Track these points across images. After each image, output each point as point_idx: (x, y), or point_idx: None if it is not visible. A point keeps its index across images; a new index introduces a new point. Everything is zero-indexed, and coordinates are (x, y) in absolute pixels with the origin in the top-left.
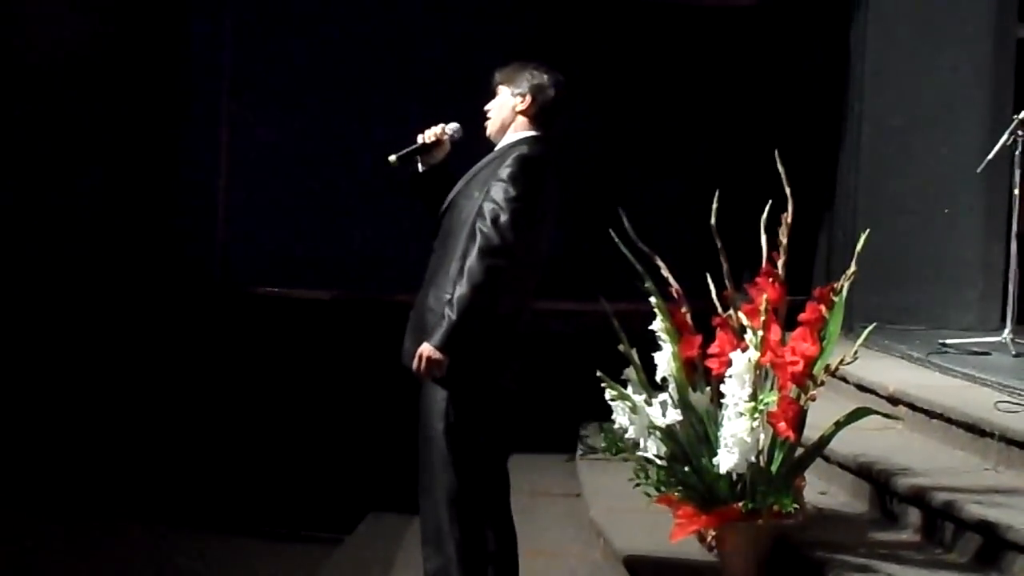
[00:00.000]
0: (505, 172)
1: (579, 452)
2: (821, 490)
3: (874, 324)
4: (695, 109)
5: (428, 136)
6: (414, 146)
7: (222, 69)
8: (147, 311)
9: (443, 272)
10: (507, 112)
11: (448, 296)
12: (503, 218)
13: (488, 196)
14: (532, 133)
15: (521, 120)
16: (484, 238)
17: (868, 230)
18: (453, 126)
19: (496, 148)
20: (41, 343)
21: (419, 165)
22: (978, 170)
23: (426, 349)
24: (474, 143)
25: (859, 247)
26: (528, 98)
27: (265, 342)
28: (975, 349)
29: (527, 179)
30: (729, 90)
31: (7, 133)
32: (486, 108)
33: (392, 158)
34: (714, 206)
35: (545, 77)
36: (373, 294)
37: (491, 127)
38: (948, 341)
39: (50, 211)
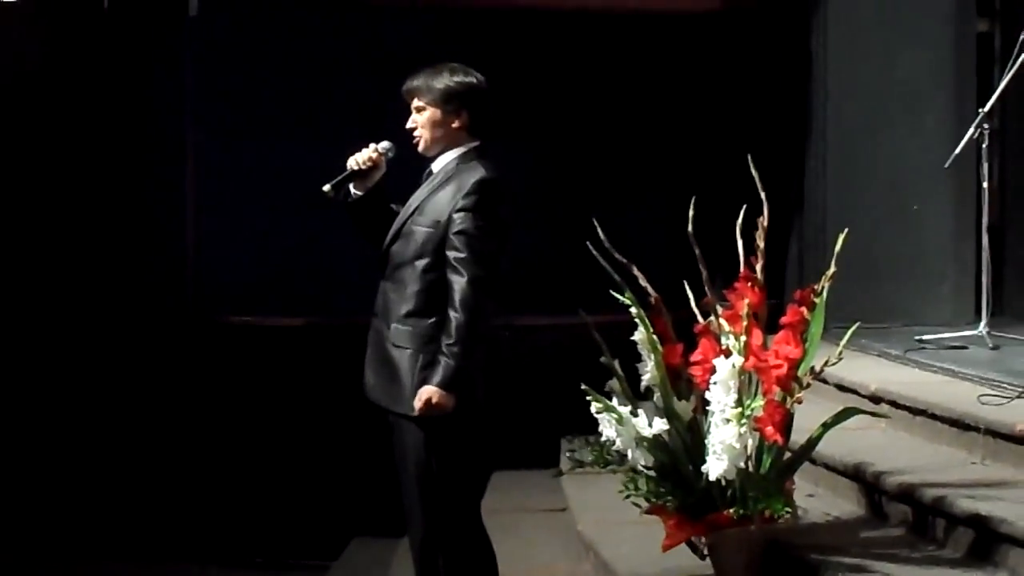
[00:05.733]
0: (470, 200)
1: (563, 466)
2: (809, 492)
3: (857, 323)
4: (663, 117)
5: (362, 160)
6: (347, 172)
7: (185, 97)
8: (120, 344)
9: (400, 303)
10: (442, 129)
11: (411, 330)
12: (483, 249)
13: (457, 226)
14: (474, 144)
15: (458, 133)
16: (472, 273)
17: (846, 230)
18: (385, 145)
19: (438, 165)
20: (11, 380)
21: (352, 191)
22: (945, 165)
23: (431, 392)
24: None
25: (837, 247)
26: (463, 112)
27: (240, 371)
28: (952, 344)
29: (493, 204)
30: (695, 96)
31: None
32: (410, 126)
33: (326, 188)
34: (690, 213)
35: (471, 81)
36: (346, 319)
37: (424, 145)
38: (925, 337)
39: (15, 247)
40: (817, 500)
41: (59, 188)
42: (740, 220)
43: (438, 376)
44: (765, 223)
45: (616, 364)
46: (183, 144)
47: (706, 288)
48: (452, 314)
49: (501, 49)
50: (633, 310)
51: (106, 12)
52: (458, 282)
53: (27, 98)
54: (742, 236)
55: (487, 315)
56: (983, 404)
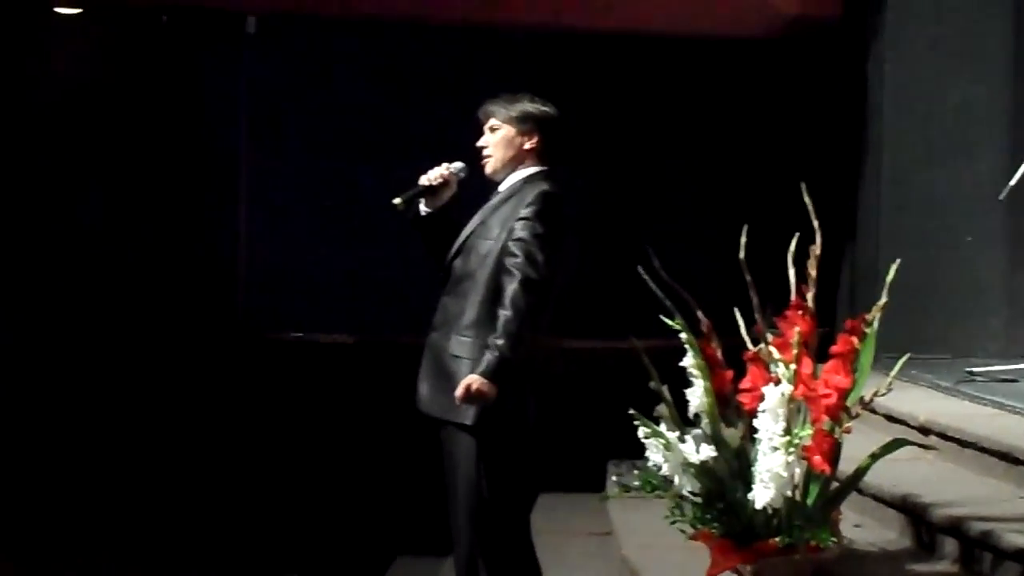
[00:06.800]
0: (530, 210)
1: (610, 490)
2: (855, 523)
3: (908, 355)
4: (717, 142)
5: (433, 178)
6: (418, 188)
7: (240, 114)
8: (171, 359)
9: (462, 316)
10: (512, 150)
11: (471, 340)
12: (537, 255)
13: (515, 234)
14: (541, 168)
15: (527, 156)
16: (523, 274)
17: (898, 260)
18: (457, 165)
19: (504, 185)
20: (61, 389)
21: (422, 207)
22: (1000, 197)
23: (473, 379)
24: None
25: (889, 277)
26: (536, 135)
27: (288, 387)
28: (1003, 376)
29: (552, 215)
30: (750, 122)
31: (33, 180)
32: (481, 144)
33: (397, 201)
34: (743, 240)
35: (547, 110)
36: (395, 337)
37: (492, 165)
38: (975, 369)
39: (69, 259)
40: (864, 531)
41: (113, 201)
42: (792, 248)
43: (482, 366)
44: (817, 251)
45: (665, 389)
46: (237, 160)
47: (757, 315)
48: (501, 311)
49: (555, 71)
50: (683, 336)
51: (165, 27)
52: (510, 283)
53: (84, 111)
54: (794, 264)
55: (537, 318)
56: None
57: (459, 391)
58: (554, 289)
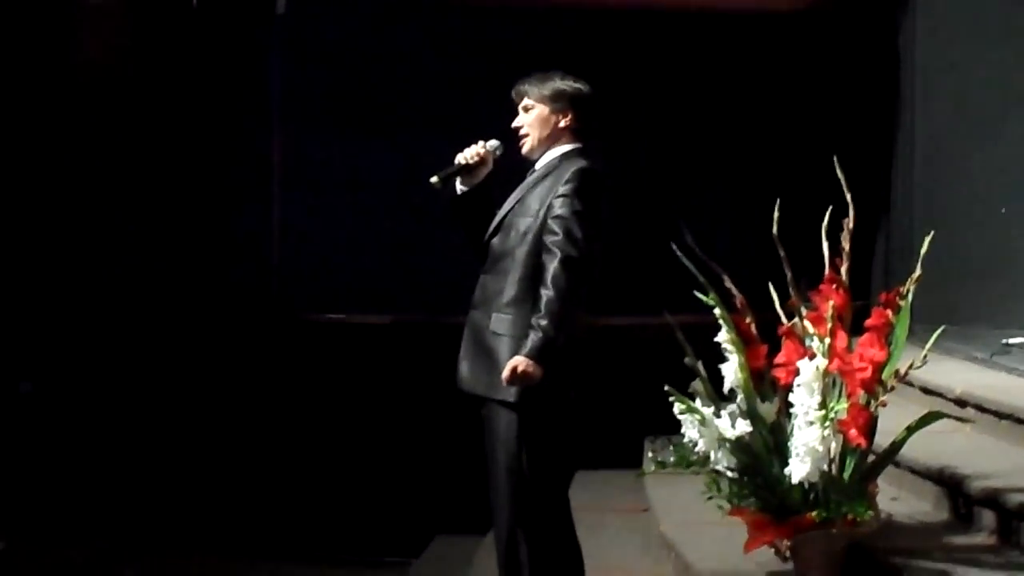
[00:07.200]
0: (568, 187)
1: (646, 466)
2: (892, 496)
3: (943, 327)
4: (749, 117)
5: (469, 156)
6: (455, 166)
7: (272, 95)
8: (204, 339)
9: (501, 293)
10: (548, 128)
11: (512, 318)
12: (576, 231)
13: (553, 212)
14: (576, 145)
15: (563, 133)
16: (564, 252)
17: (932, 232)
18: (493, 143)
19: (540, 163)
20: (98, 372)
21: (458, 186)
22: None
23: (519, 360)
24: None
25: (923, 249)
26: (570, 112)
27: (324, 367)
28: None
29: (591, 192)
30: (781, 97)
31: (65, 164)
32: (516, 125)
33: (434, 179)
34: (775, 215)
35: (579, 87)
36: (431, 317)
37: (529, 143)
38: (1011, 341)
39: (105, 240)
40: (900, 504)
41: (145, 185)
42: (826, 222)
43: (527, 347)
44: (851, 225)
45: (700, 365)
46: (270, 141)
47: (791, 290)
48: (543, 291)
49: (585, 48)
50: (717, 311)
51: (195, 10)
52: (551, 261)
53: (116, 96)
54: (828, 238)
55: (579, 295)
56: None
57: (506, 373)
58: (594, 265)
